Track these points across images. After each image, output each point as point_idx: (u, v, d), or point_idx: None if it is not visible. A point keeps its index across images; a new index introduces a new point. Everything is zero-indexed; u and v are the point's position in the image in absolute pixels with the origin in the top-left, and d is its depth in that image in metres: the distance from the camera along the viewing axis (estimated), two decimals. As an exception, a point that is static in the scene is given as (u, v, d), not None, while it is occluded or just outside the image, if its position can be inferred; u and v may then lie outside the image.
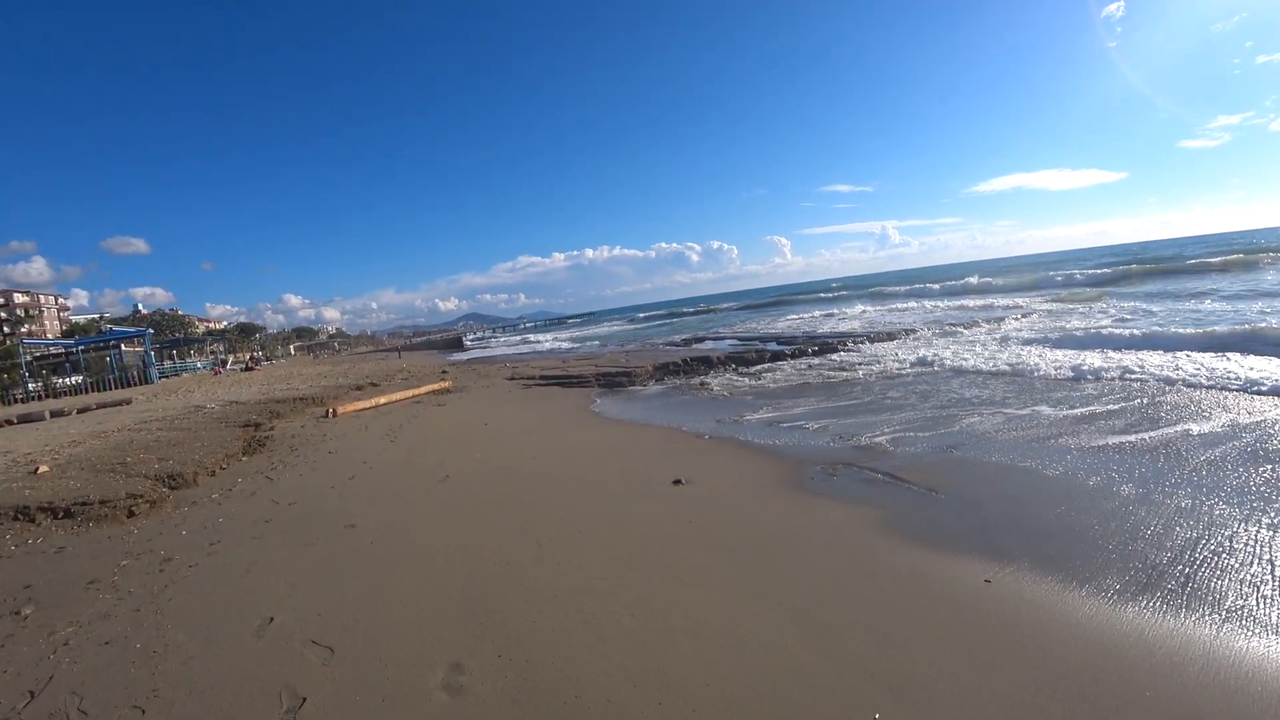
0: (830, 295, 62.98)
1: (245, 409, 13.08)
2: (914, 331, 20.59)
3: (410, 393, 15.59)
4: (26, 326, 77.07)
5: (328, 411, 12.56)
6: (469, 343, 65.59)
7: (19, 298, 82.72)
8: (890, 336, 19.95)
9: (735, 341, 25.76)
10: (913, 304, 36.73)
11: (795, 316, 39.78)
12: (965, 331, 19.96)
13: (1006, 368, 11.96)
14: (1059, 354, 12.92)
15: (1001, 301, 30.45)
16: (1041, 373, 11.18)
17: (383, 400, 14.35)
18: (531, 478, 7.03)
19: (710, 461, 7.50)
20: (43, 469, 7.35)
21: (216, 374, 39.43)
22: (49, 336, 66.20)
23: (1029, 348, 14.42)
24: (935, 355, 14.40)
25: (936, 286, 46.34)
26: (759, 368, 16.37)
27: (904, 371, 13.05)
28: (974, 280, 45.70)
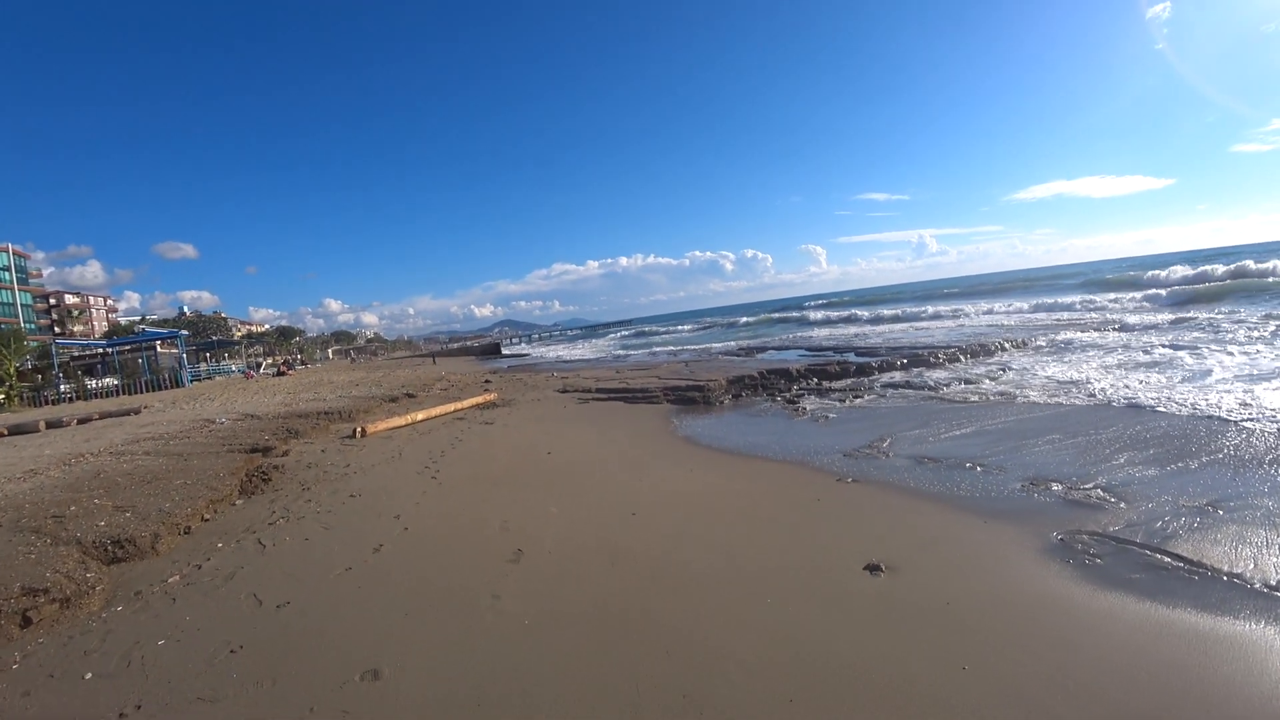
0: (814, 306, 59.50)
1: (260, 425, 10.97)
2: (1002, 347, 17.37)
3: (451, 407, 13.36)
4: (75, 327, 78.29)
5: (355, 430, 10.35)
6: (507, 350, 63.93)
7: (70, 299, 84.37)
8: (984, 350, 16.92)
9: (804, 352, 23.10)
10: (957, 319, 33.28)
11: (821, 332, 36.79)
12: (1057, 341, 16.98)
13: (1150, 394, 9.09)
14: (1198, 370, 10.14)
15: (1082, 315, 27.16)
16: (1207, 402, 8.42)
17: (420, 416, 12.13)
18: (647, 558, 4.58)
19: (889, 524, 5.10)
20: (-54, 524, 5.18)
21: (249, 377, 38.17)
22: (96, 337, 66.65)
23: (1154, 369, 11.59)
24: (1054, 374, 11.67)
25: (977, 308, 42.48)
26: (846, 383, 13.86)
27: (1028, 393, 10.39)
28: (1077, 298, 42.00)
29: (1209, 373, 10.42)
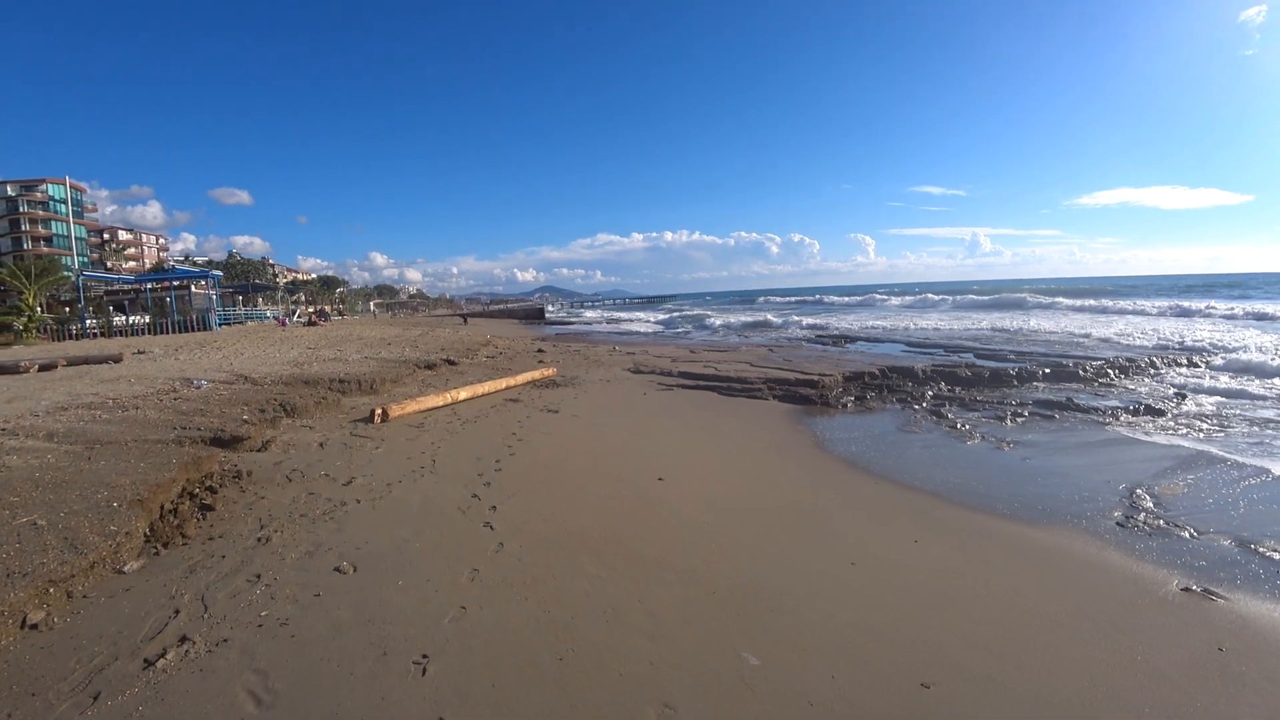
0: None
1: (247, 394, 8.03)
2: (1154, 364, 12.88)
3: (504, 383, 10.33)
4: (126, 263, 78.30)
5: (373, 413, 7.33)
6: (550, 315, 61.22)
7: (123, 234, 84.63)
8: (1135, 365, 12.59)
9: (905, 347, 19.20)
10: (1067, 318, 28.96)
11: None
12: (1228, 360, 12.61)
13: None
14: None
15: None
16: None
17: (463, 395, 9.09)
18: None
19: None
20: None
21: (281, 325, 36.15)
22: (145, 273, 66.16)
23: None
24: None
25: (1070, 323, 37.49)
26: (988, 395, 10.26)
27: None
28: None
29: None
